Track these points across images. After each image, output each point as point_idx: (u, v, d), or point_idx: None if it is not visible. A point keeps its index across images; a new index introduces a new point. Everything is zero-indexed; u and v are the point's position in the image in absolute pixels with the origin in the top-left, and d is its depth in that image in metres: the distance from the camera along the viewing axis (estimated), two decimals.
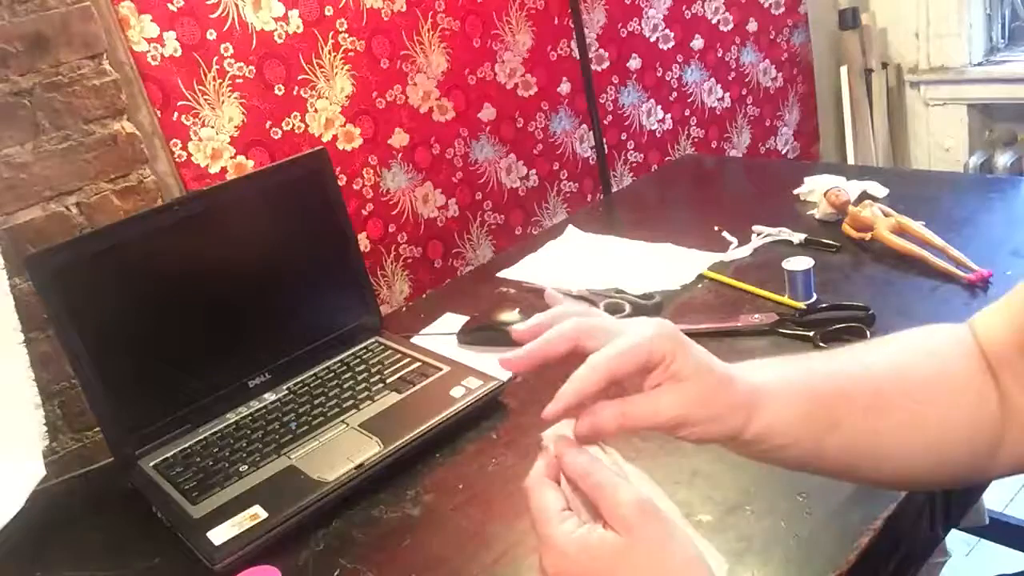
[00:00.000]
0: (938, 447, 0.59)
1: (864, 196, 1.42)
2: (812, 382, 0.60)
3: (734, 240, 1.40)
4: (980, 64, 2.67)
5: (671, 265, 1.37)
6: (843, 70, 2.76)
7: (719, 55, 2.51)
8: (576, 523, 0.49)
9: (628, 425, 0.53)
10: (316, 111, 1.75)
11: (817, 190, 1.45)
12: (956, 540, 1.91)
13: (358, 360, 1.23)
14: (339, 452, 1.03)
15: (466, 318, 1.34)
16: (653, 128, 2.41)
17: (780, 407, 0.58)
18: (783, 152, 2.76)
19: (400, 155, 1.90)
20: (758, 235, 1.39)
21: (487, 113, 2.04)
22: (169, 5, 1.52)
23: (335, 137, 1.79)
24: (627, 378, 0.54)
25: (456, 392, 1.10)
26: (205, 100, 1.59)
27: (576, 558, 0.48)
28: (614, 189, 2.30)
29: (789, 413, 0.58)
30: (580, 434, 0.53)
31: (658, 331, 0.54)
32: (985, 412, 0.59)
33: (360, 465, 1.00)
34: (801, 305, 1.17)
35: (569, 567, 0.48)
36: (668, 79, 2.41)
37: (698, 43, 2.45)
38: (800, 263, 1.18)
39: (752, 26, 2.56)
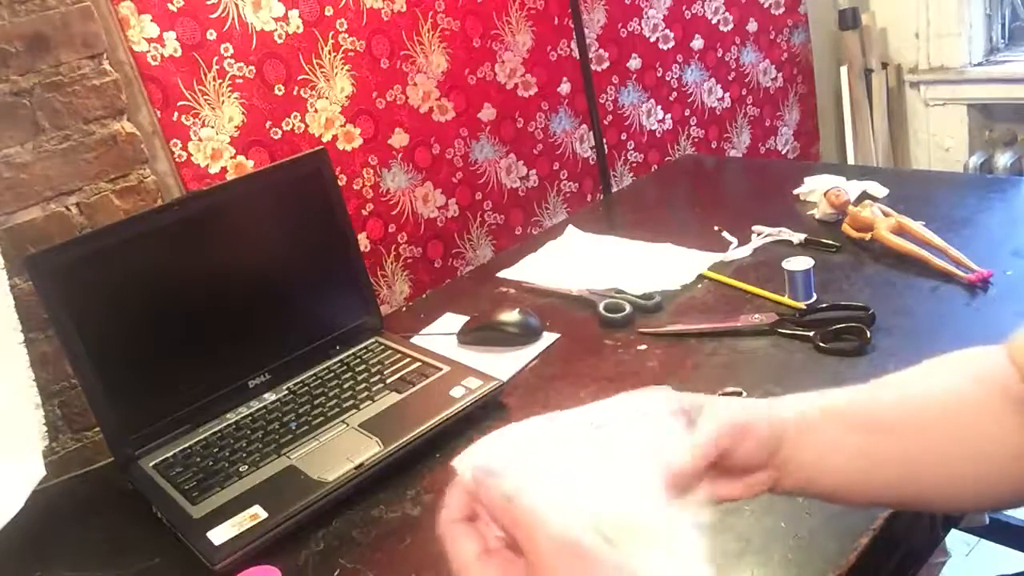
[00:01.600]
0: (980, 473, 0.59)
1: (864, 196, 1.42)
2: (843, 403, 0.61)
3: (734, 240, 1.40)
4: (980, 64, 2.67)
5: (671, 265, 1.37)
6: (843, 70, 2.76)
7: (719, 55, 2.51)
8: (496, 565, 0.48)
9: (676, 471, 0.54)
10: (316, 111, 1.75)
11: (817, 190, 1.46)
12: (956, 540, 1.91)
13: (358, 360, 1.23)
14: (339, 452, 1.03)
15: (466, 318, 1.34)
16: (653, 128, 2.41)
17: (803, 406, 0.59)
18: (783, 152, 2.76)
19: (400, 155, 1.90)
20: (758, 235, 1.40)
21: (487, 113, 2.04)
22: (169, 5, 1.52)
23: (335, 137, 1.79)
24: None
25: (456, 392, 1.10)
26: (205, 100, 1.59)
27: None
28: (614, 189, 2.30)
29: (813, 411, 0.59)
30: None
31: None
32: (1017, 433, 0.58)
33: (360, 465, 1.00)
34: (801, 305, 1.17)
35: None
36: (668, 79, 2.41)
37: (698, 43, 2.45)
38: (800, 263, 1.18)
39: (752, 26, 2.56)
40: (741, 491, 0.59)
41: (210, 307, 1.17)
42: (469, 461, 0.52)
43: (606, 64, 2.26)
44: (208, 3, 1.56)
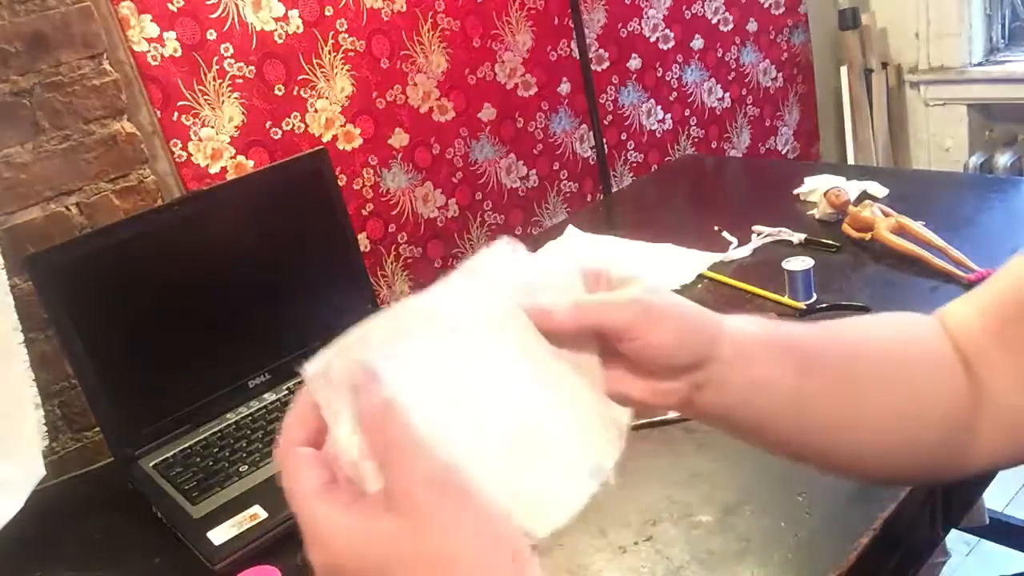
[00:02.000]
0: (913, 418, 0.55)
1: (864, 196, 1.42)
2: (780, 326, 0.55)
3: (734, 240, 1.40)
4: (980, 64, 2.67)
5: (671, 265, 1.37)
6: (843, 70, 2.76)
7: (719, 55, 2.51)
8: (344, 502, 0.40)
9: (584, 312, 0.47)
10: (316, 111, 1.75)
11: (817, 190, 1.46)
12: (956, 540, 1.91)
13: None
14: None
15: None
16: (653, 128, 2.41)
17: (752, 333, 0.51)
18: (783, 152, 2.76)
19: (400, 155, 1.90)
20: (758, 235, 1.40)
21: (487, 113, 2.04)
22: (169, 5, 1.52)
23: (335, 137, 1.79)
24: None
25: None
26: (205, 100, 1.59)
27: (344, 549, 0.39)
28: (614, 189, 2.30)
29: (762, 340, 0.51)
30: (530, 316, 0.46)
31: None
32: (958, 395, 0.55)
33: None
34: (801, 305, 1.17)
35: (337, 559, 0.39)
36: (668, 79, 2.41)
37: (698, 43, 2.45)
38: (800, 263, 1.18)
39: (752, 26, 2.56)
40: (647, 394, 0.49)
41: (210, 307, 1.17)
42: (335, 359, 0.42)
43: (606, 64, 2.26)
44: (208, 3, 1.56)
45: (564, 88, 2.18)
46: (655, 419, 0.94)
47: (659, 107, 2.41)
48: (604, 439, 0.47)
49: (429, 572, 0.38)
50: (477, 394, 0.44)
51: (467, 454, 0.41)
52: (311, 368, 0.42)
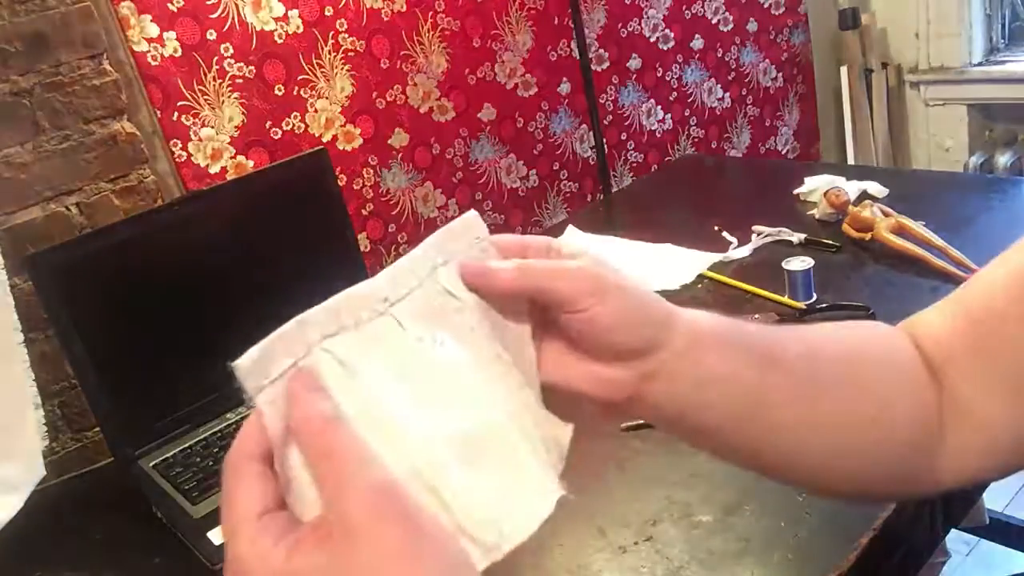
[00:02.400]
0: (876, 422, 0.51)
1: (864, 196, 1.42)
2: (738, 321, 0.50)
3: (734, 240, 1.40)
4: (980, 64, 2.67)
5: (671, 265, 1.37)
6: (843, 70, 2.76)
7: (719, 55, 2.51)
8: (275, 535, 0.35)
9: (529, 275, 0.43)
10: (316, 111, 1.75)
11: (817, 190, 1.45)
12: (956, 540, 1.91)
13: None
14: None
15: None
16: (653, 128, 2.41)
17: (709, 324, 0.47)
18: (783, 152, 2.76)
19: (400, 155, 1.90)
20: (758, 235, 1.39)
21: (487, 113, 2.04)
22: (169, 5, 1.52)
23: (335, 137, 1.79)
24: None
25: None
26: (205, 100, 1.59)
27: None
28: (614, 189, 2.30)
29: (719, 332, 0.47)
30: (467, 275, 0.43)
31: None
32: (924, 402, 0.52)
33: None
34: (801, 305, 1.17)
35: None
36: (668, 79, 2.41)
37: (698, 43, 2.45)
38: (800, 263, 1.18)
39: (752, 26, 2.56)
40: (590, 383, 0.45)
41: (210, 307, 1.17)
42: (272, 350, 0.38)
43: (606, 64, 2.26)
44: (208, 3, 1.56)
45: (564, 88, 2.18)
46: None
47: (659, 107, 2.41)
48: (552, 456, 0.43)
49: None
50: (419, 394, 0.39)
51: (415, 465, 0.37)
52: (244, 363, 0.37)
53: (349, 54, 1.77)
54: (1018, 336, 0.51)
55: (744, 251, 1.37)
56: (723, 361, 0.46)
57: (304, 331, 0.39)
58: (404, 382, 0.39)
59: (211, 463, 1.06)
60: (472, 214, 0.45)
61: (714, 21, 2.47)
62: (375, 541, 0.33)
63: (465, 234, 0.44)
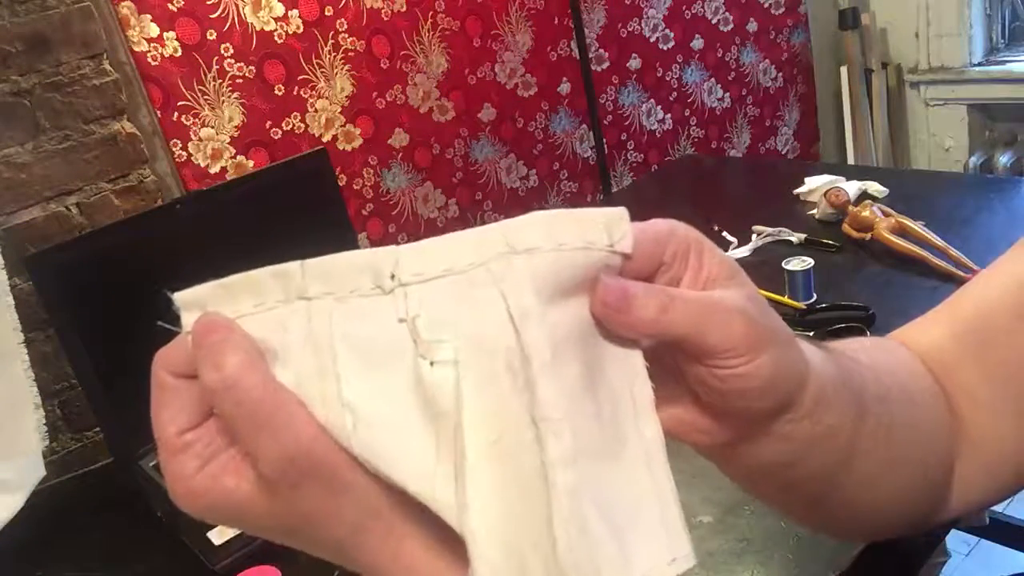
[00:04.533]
0: (925, 466, 0.47)
1: (864, 196, 1.42)
2: (845, 358, 0.43)
3: (734, 240, 1.40)
4: (980, 64, 2.67)
5: None
6: (843, 70, 2.76)
7: (719, 55, 2.51)
8: (197, 466, 0.33)
9: (678, 312, 0.33)
10: (316, 111, 1.75)
11: (817, 190, 1.46)
12: (956, 540, 1.91)
13: None
14: None
15: None
16: (653, 128, 2.41)
17: (831, 373, 0.40)
18: (783, 152, 2.76)
19: (400, 155, 1.90)
20: (758, 235, 1.39)
21: (487, 113, 2.04)
22: (169, 5, 1.52)
23: (335, 137, 1.79)
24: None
25: None
26: (205, 100, 1.59)
27: (195, 507, 0.34)
28: (614, 189, 2.30)
29: (838, 381, 0.40)
30: (601, 300, 0.32)
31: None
32: (949, 432, 0.48)
33: None
34: (801, 305, 1.17)
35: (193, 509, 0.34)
36: (668, 79, 2.41)
37: (698, 43, 2.45)
38: (800, 263, 1.18)
39: (752, 26, 2.56)
40: (678, 426, 0.36)
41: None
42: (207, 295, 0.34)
43: (606, 64, 2.26)
44: (208, 3, 1.56)
45: (564, 88, 2.18)
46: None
47: (659, 107, 2.41)
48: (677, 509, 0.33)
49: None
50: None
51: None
52: (188, 295, 0.34)
53: (349, 54, 1.77)
54: (1021, 348, 0.48)
55: (744, 251, 1.37)
56: (835, 417, 0.39)
57: (279, 283, 0.34)
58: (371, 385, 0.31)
59: None
60: (621, 211, 0.35)
61: (714, 21, 2.47)
62: (291, 503, 0.31)
63: (592, 229, 0.33)
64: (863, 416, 0.41)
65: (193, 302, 0.34)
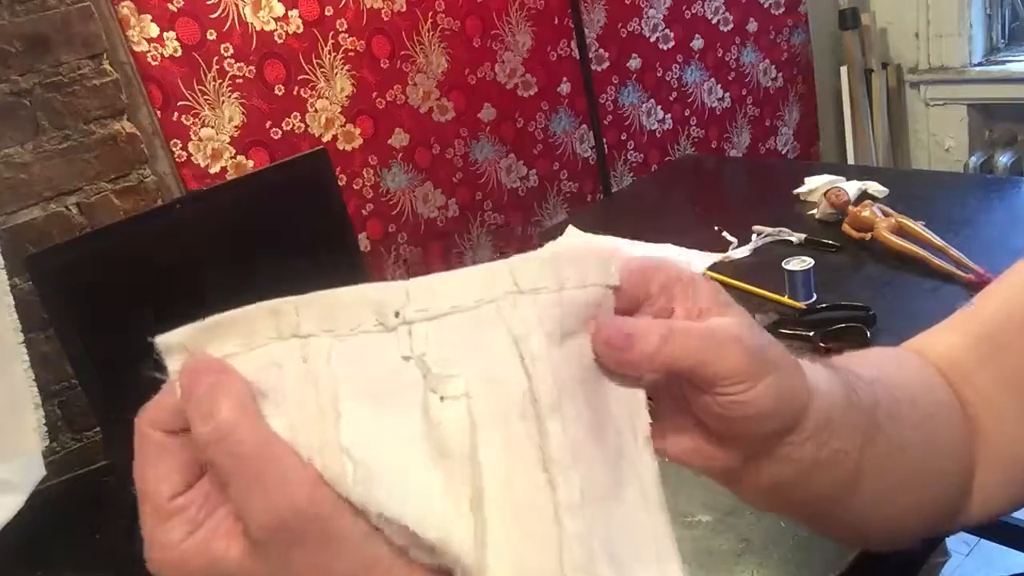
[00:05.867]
0: (941, 481, 0.47)
1: (864, 196, 1.42)
2: (851, 380, 0.43)
3: (734, 240, 1.40)
4: (980, 64, 2.67)
5: None
6: (843, 70, 2.76)
7: (719, 55, 2.51)
8: (192, 520, 0.31)
9: (678, 347, 0.33)
10: (316, 111, 1.75)
11: (817, 190, 1.46)
12: (956, 540, 1.91)
13: None
14: None
15: None
16: (653, 128, 2.41)
17: (835, 398, 0.40)
18: (783, 152, 2.76)
19: (400, 155, 1.90)
20: (758, 235, 1.39)
21: (487, 113, 2.04)
22: (169, 5, 1.52)
23: (335, 137, 1.79)
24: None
25: None
26: (205, 100, 1.59)
27: (174, 574, 0.31)
28: (614, 189, 2.30)
29: (843, 405, 0.40)
30: (603, 341, 0.33)
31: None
32: (967, 443, 0.48)
33: None
34: (801, 305, 1.17)
35: None
36: (668, 79, 2.41)
37: (698, 43, 2.45)
38: (800, 263, 1.18)
39: (752, 26, 2.56)
40: (685, 455, 0.38)
41: (210, 306, 1.17)
42: (193, 338, 0.33)
43: (606, 64, 2.26)
44: (208, 3, 1.56)
45: (564, 88, 2.18)
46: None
47: (659, 107, 2.41)
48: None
49: None
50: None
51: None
52: (172, 338, 0.33)
53: (349, 54, 1.77)
54: None
55: (744, 251, 1.37)
56: (840, 441, 0.40)
57: (271, 320, 0.32)
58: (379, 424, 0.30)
59: None
60: (613, 250, 0.35)
61: (714, 21, 2.47)
62: (284, 565, 0.29)
63: (589, 269, 0.33)
64: (872, 437, 0.42)
65: (177, 345, 0.32)
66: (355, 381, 0.30)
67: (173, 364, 0.32)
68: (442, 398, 0.30)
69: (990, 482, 0.49)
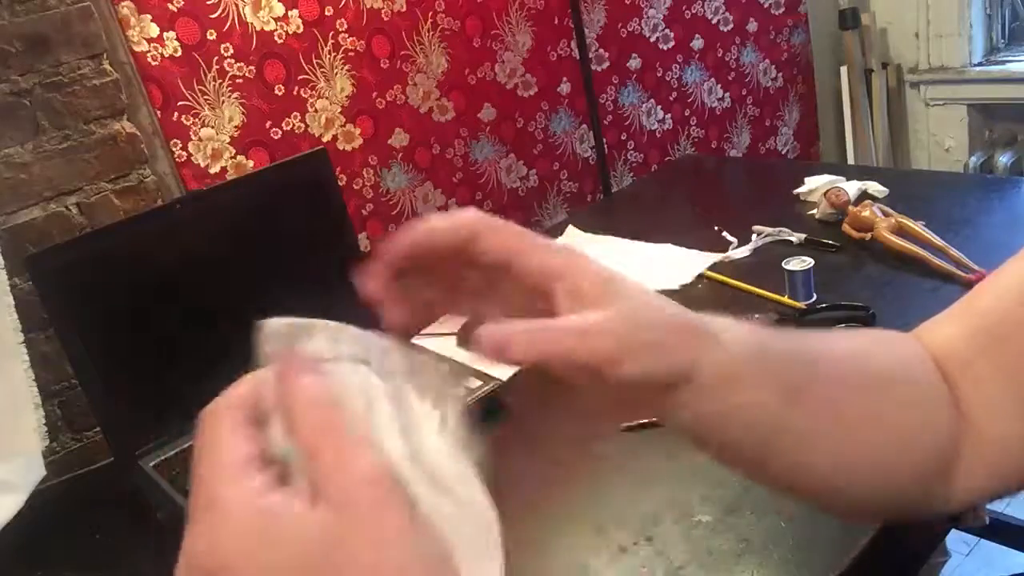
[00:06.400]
0: (900, 452, 0.49)
1: (864, 196, 1.42)
2: (771, 340, 0.47)
3: (734, 240, 1.40)
4: (980, 64, 2.67)
5: (671, 265, 1.37)
6: (843, 70, 2.76)
7: (719, 55, 2.51)
8: (267, 484, 0.31)
9: (540, 348, 0.39)
10: (316, 111, 1.75)
11: (817, 190, 1.46)
12: (956, 540, 1.91)
13: None
14: None
15: (466, 318, 1.34)
16: (653, 128, 2.41)
17: (742, 353, 0.44)
18: (783, 152, 2.76)
19: (400, 155, 1.90)
20: (758, 235, 1.39)
21: (487, 113, 2.04)
22: (169, 5, 1.52)
23: (335, 137, 1.79)
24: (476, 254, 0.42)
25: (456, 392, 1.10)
26: (205, 100, 1.59)
27: (244, 545, 0.30)
28: (614, 189, 2.30)
29: (752, 359, 0.44)
30: (490, 347, 0.39)
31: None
32: (945, 424, 0.49)
33: None
34: (801, 305, 1.17)
35: (236, 545, 0.31)
36: (668, 79, 2.41)
37: (698, 43, 2.45)
38: (800, 263, 1.18)
39: (752, 26, 2.56)
40: (612, 414, 0.45)
41: (210, 306, 1.17)
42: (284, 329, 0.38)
43: (606, 64, 2.26)
44: (208, 3, 1.56)
45: (564, 88, 2.18)
46: (652, 419, 0.94)
47: (659, 107, 2.41)
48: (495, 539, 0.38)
49: None
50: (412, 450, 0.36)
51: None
52: (273, 325, 0.37)
53: (349, 54, 1.77)
54: None
55: (744, 251, 1.37)
56: (749, 393, 0.44)
57: (337, 334, 0.39)
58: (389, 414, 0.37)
59: None
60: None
61: (714, 21, 2.47)
62: (375, 525, 0.31)
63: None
64: (792, 400, 0.45)
65: (276, 335, 0.38)
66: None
67: (267, 349, 0.37)
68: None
69: (974, 470, 0.49)
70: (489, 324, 0.40)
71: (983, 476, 0.50)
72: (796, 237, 1.36)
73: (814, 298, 1.18)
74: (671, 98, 2.43)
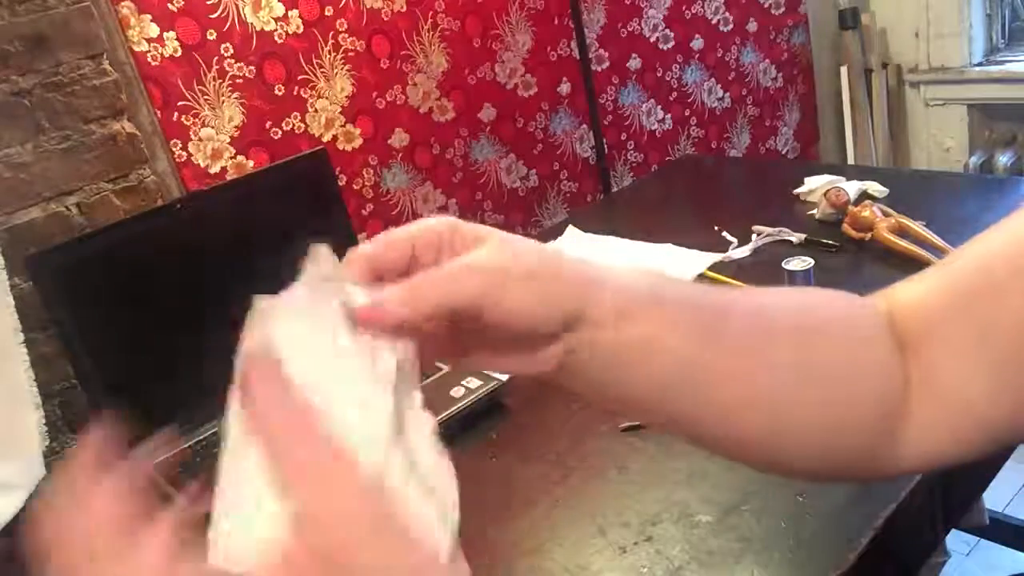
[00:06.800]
0: (834, 407, 0.47)
1: (864, 196, 1.42)
2: (684, 283, 0.47)
3: (734, 240, 1.40)
4: (980, 64, 2.67)
5: (671, 265, 1.37)
6: (843, 70, 2.76)
7: (719, 55, 2.51)
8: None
9: (419, 296, 0.38)
10: (316, 111, 1.75)
11: (817, 190, 1.46)
12: (956, 540, 1.91)
13: None
14: None
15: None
16: (653, 128, 2.41)
17: (641, 290, 0.44)
18: (783, 152, 2.76)
19: (400, 155, 1.90)
20: (758, 235, 1.39)
21: (487, 113, 2.04)
22: (169, 5, 1.52)
23: (335, 137, 1.79)
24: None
25: (456, 392, 1.10)
26: (205, 100, 1.59)
27: None
28: (614, 189, 2.30)
29: (653, 297, 0.44)
30: (363, 319, 0.38)
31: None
32: (891, 382, 0.48)
33: None
34: None
35: None
36: (668, 79, 2.41)
37: (698, 43, 2.45)
38: (800, 263, 1.18)
39: (752, 26, 2.56)
40: (520, 367, 0.43)
41: (210, 306, 1.17)
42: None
43: (606, 64, 2.26)
44: (208, 3, 1.56)
45: (564, 88, 2.18)
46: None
47: (659, 107, 2.41)
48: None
49: None
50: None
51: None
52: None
53: (349, 54, 1.77)
54: (1020, 309, 0.46)
55: (744, 251, 1.37)
56: (652, 328, 0.43)
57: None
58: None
59: (212, 463, 1.06)
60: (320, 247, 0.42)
61: (714, 21, 2.47)
62: (375, 555, 0.31)
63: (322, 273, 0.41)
64: (706, 341, 0.44)
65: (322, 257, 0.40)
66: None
67: (312, 266, 0.40)
68: None
69: (930, 424, 0.48)
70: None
71: (944, 440, 0.49)
72: (796, 237, 1.36)
73: None
74: (671, 98, 2.43)
